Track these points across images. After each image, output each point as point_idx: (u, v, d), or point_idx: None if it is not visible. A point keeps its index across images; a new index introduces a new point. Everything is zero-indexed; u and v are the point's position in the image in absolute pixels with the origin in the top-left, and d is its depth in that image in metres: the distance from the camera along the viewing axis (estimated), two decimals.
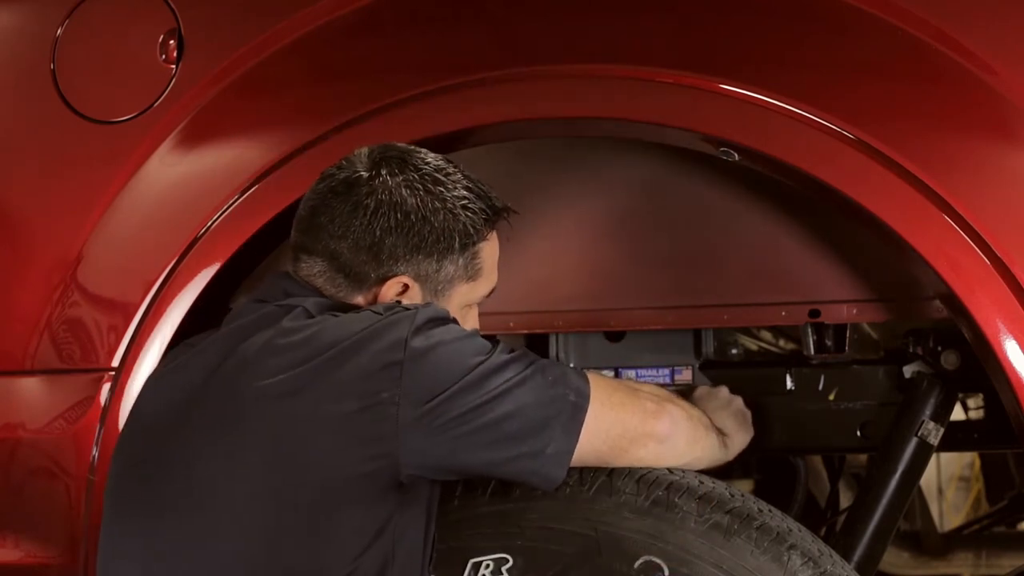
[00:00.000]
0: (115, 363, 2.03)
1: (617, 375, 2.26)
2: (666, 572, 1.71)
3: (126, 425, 1.77)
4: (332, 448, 1.58)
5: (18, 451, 2.07)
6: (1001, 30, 1.80)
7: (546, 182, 2.15)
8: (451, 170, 1.77)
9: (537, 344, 2.33)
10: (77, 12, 2.14)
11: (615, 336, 2.28)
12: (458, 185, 1.76)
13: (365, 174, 1.74)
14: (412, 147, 1.80)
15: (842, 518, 2.36)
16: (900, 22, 1.80)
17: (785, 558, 1.71)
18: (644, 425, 1.74)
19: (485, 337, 1.69)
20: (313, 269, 1.77)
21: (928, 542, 3.81)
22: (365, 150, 1.78)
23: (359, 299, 1.77)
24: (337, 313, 1.69)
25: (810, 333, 2.11)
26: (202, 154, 2.09)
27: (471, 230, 1.76)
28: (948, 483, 6.82)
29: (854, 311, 2.05)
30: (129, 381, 2.01)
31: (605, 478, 1.76)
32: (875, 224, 1.80)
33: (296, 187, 1.98)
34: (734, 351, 2.37)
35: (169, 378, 1.74)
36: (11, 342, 2.09)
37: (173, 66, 2.08)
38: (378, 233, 1.72)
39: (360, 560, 1.60)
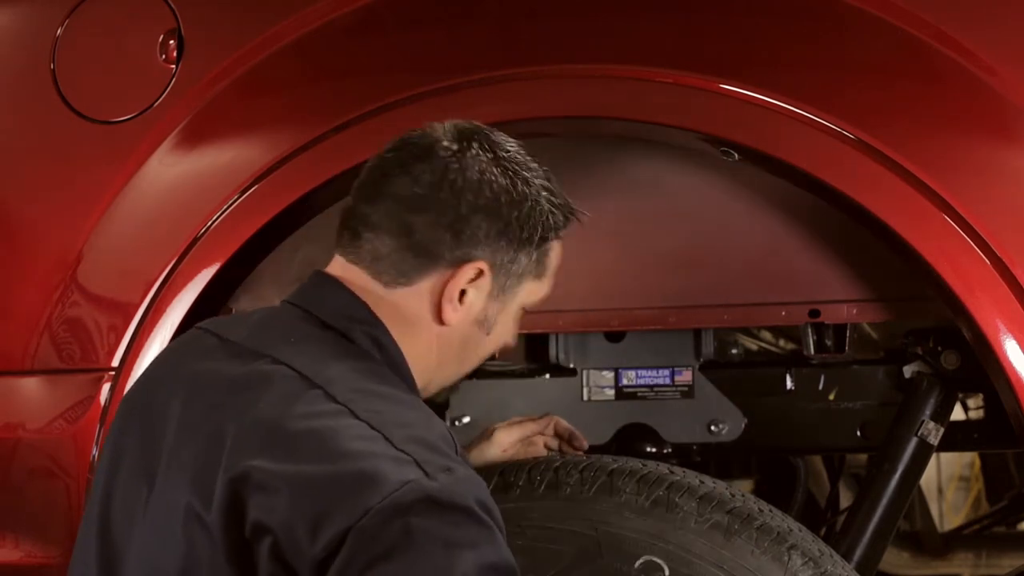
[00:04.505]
0: (115, 363, 2.03)
1: (617, 375, 2.26)
2: (667, 572, 1.71)
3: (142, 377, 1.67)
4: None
5: (18, 451, 2.07)
6: (1001, 30, 1.80)
7: None
8: (530, 159, 1.66)
9: (537, 344, 2.33)
10: (77, 12, 2.14)
11: (615, 336, 2.28)
12: (539, 175, 1.64)
13: (454, 146, 1.59)
14: (491, 127, 1.67)
15: (842, 518, 2.36)
16: (900, 22, 1.80)
17: (786, 558, 1.71)
18: None
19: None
20: (381, 248, 1.58)
21: (928, 542, 3.81)
22: (446, 124, 1.63)
23: (424, 283, 1.59)
24: (362, 396, 1.47)
25: (810, 333, 2.11)
26: (202, 154, 2.09)
27: (551, 223, 1.64)
28: (948, 483, 6.82)
29: (854, 311, 2.05)
30: (129, 381, 2.01)
31: (606, 478, 1.76)
32: (875, 224, 1.80)
33: (296, 186, 1.98)
34: (734, 351, 2.37)
35: (194, 354, 1.60)
36: (11, 342, 2.09)
37: (173, 66, 2.08)
38: (464, 210, 1.56)
39: None
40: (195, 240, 2.03)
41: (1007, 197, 1.76)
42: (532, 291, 1.68)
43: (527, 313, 2.07)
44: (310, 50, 2.05)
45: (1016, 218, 1.75)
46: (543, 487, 1.77)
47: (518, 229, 1.60)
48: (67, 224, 2.09)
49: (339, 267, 1.63)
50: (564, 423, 2.00)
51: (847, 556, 2.01)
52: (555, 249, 1.68)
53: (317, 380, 1.48)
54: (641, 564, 1.72)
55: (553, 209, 1.64)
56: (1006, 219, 1.74)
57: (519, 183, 1.60)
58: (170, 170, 2.07)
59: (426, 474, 1.37)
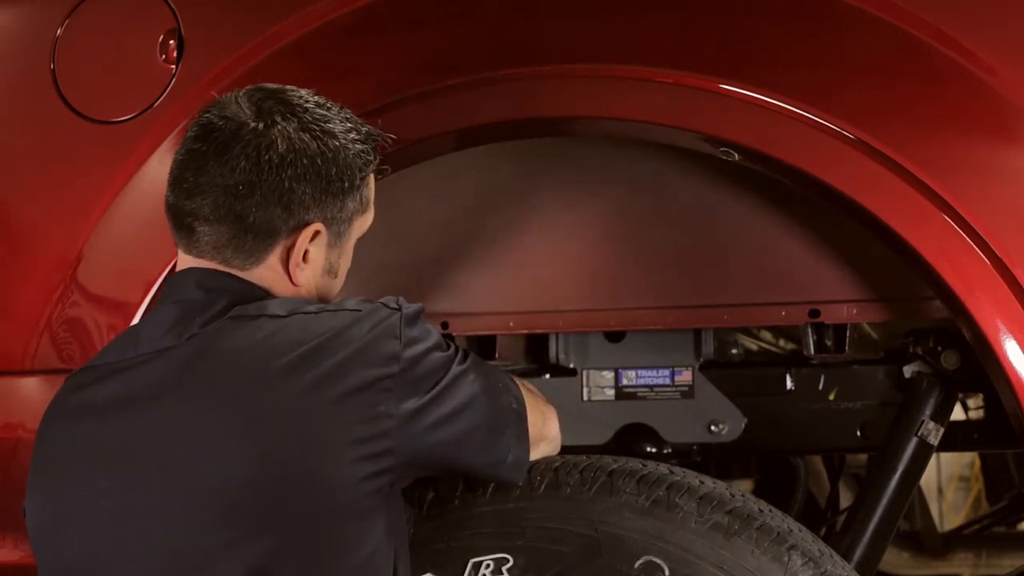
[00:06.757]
0: None
1: (617, 375, 2.26)
2: (667, 572, 1.71)
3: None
4: (338, 473, 1.54)
5: (18, 451, 2.07)
6: (1001, 30, 1.80)
7: (546, 182, 2.15)
8: (328, 103, 1.71)
9: (537, 344, 2.33)
10: (77, 12, 2.14)
11: (615, 336, 2.28)
12: (338, 117, 1.70)
13: (259, 125, 1.63)
14: (282, 87, 1.72)
15: (842, 518, 2.36)
16: (900, 22, 1.80)
17: (786, 558, 1.71)
18: (544, 428, 1.79)
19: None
20: (220, 238, 1.64)
21: (928, 542, 3.81)
22: (239, 98, 1.68)
23: (270, 258, 1.66)
24: (308, 310, 1.62)
25: (810, 333, 2.11)
26: None
27: (363, 161, 1.70)
28: (948, 483, 6.82)
29: (854, 311, 2.05)
30: None
31: (606, 478, 1.76)
32: (875, 224, 1.80)
33: None
34: (734, 351, 2.37)
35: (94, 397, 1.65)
36: (11, 342, 2.09)
37: (173, 66, 2.08)
38: (287, 184, 1.62)
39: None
40: None
41: (1007, 197, 1.76)
42: (361, 225, 1.75)
43: (528, 313, 2.07)
44: (310, 50, 2.05)
45: (1016, 218, 1.75)
46: (543, 487, 1.77)
47: (339, 181, 1.67)
48: (67, 224, 2.09)
49: (189, 264, 1.69)
50: None
51: (847, 556, 2.01)
52: (370, 181, 1.75)
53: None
54: (641, 564, 1.72)
55: (361, 148, 1.70)
56: (1006, 219, 1.74)
57: (327, 139, 1.66)
58: None
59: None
